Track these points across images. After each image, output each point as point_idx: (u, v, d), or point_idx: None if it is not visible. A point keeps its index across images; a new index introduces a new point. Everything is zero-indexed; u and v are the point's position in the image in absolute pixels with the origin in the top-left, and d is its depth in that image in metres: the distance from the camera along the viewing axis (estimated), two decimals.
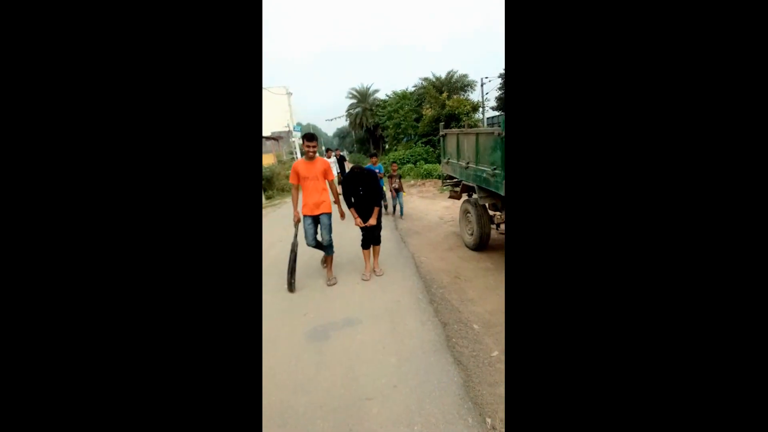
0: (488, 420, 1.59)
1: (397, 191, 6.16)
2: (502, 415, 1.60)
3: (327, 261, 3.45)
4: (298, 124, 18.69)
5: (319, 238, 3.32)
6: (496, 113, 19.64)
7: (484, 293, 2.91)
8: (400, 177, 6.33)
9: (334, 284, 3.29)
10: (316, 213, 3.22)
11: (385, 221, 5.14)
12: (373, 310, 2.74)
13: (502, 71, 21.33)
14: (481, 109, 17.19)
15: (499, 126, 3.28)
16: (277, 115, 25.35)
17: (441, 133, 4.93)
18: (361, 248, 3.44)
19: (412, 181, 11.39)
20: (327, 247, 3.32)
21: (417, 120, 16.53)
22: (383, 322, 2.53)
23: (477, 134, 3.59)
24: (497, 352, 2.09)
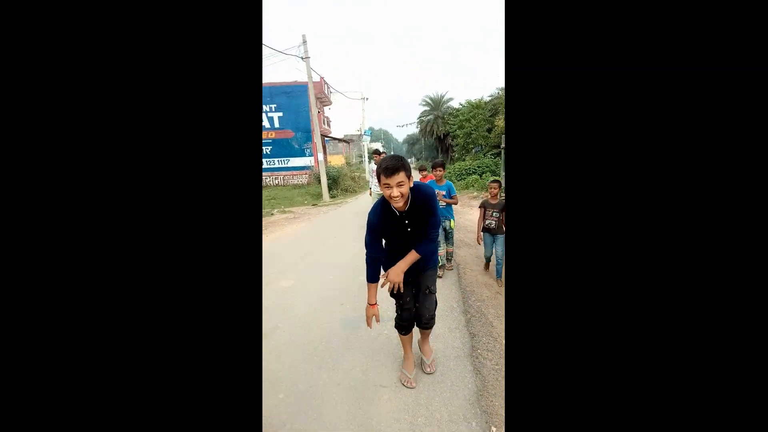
0: (493, 429, 1.61)
1: (493, 233, 3.36)
2: None
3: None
4: (369, 129, 19.45)
5: None
6: None
7: None
8: (503, 209, 3.32)
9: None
10: None
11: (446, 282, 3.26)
12: None
13: None
14: None
15: None
16: (350, 119, 26.74)
17: (503, 145, 4.85)
18: (396, 330, 1.97)
19: (475, 193, 11.12)
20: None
21: (489, 131, 16.09)
22: None
23: None
24: None
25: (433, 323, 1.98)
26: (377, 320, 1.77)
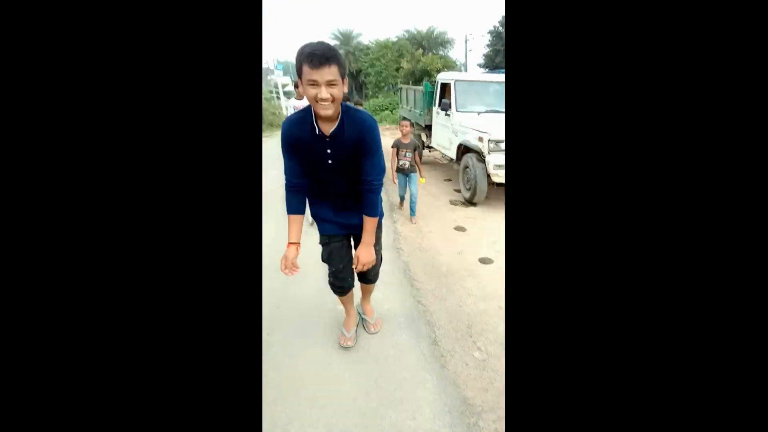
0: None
1: (407, 173, 3.39)
2: (414, 270, 2.46)
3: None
4: (280, 63, 17.60)
5: None
6: (483, 71, 18.10)
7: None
8: (416, 147, 3.36)
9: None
10: None
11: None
12: None
13: (491, 27, 21.52)
14: (463, 66, 17.86)
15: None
16: None
17: (397, 87, 7.95)
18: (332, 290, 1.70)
19: (388, 125, 12.61)
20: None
21: (397, 70, 17.63)
22: None
23: (414, 90, 6.16)
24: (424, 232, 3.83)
25: (377, 278, 1.72)
26: (295, 267, 1.33)
